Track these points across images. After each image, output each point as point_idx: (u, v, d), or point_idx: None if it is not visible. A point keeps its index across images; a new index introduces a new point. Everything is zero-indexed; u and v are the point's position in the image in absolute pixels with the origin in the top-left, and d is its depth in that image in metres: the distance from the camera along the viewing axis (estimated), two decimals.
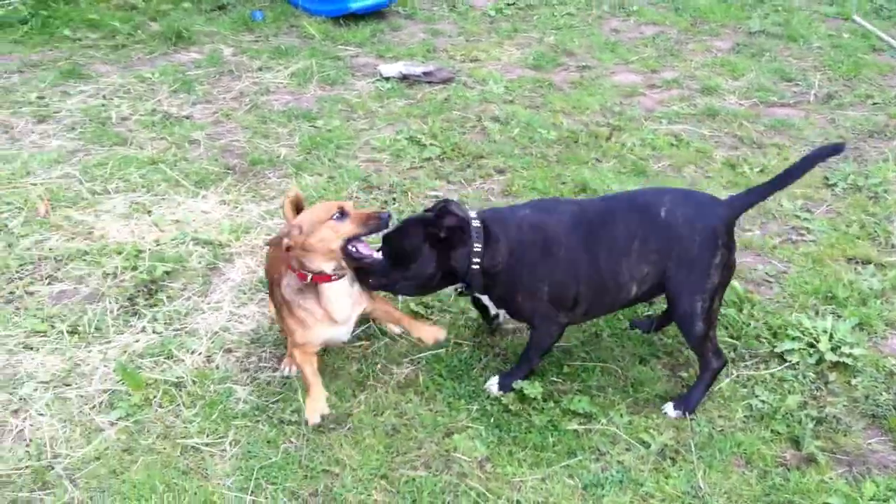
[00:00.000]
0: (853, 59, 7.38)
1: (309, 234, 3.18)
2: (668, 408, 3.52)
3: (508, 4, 8.60)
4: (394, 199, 5.01)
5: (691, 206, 3.37)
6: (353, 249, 3.21)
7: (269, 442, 3.34)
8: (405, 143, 5.66)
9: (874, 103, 6.56)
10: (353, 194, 5.01)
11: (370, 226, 3.22)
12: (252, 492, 3.13)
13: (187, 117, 5.99)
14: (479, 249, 3.28)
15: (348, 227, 3.20)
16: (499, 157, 5.57)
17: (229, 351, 3.82)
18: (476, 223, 3.32)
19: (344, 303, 3.34)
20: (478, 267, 3.30)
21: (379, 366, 3.75)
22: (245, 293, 4.17)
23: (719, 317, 4.00)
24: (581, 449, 3.34)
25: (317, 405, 3.35)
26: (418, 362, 3.77)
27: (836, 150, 3.48)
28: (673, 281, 3.34)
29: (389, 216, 3.25)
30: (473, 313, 4.01)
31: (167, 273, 4.26)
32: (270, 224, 4.70)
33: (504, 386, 3.55)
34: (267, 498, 3.10)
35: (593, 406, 3.51)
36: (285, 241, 3.18)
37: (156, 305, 4.07)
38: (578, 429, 3.42)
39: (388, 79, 6.65)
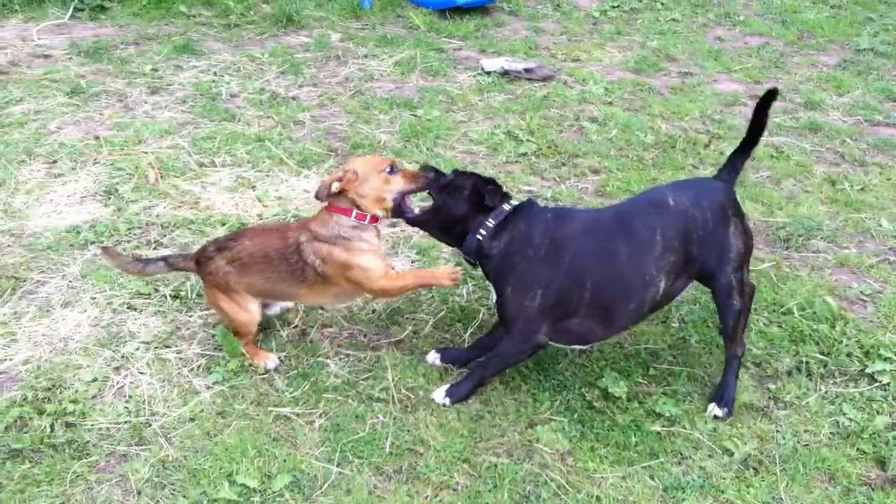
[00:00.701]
0: None
1: (364, 181, 3.44)
2: (714, 408, 3.55)
3: (613, 7, 8.60)
4: None
5: (691, 190, 3.55)
6: (403, 204, 3.52)
7: (357, 417, 3.44)
8: (502, 137, 5.73)
9: None
10: None
11: (419, 183, 3.53)
12: (339, 463, 3.23)
13: (294, 98, 6.16)
14: (490, 225, 3.45)
15: (400, 182, 3.50)
16: (594, 157, 5.60)
17: (325, 326, 3.94)
18: (507, 207, 3.49)
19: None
20: (479, 238, 3.45)
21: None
22: None
23: (811, 332, 3.99)
24: (663, 451, 3.36)
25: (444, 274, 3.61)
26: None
27: (771, 94, 3.55)
28: (702, 259, 3.46)
29: (434, 175, 3.53)
30: None
31: None
32: None
33: (451, 395, 3.54)
34: (353, 470, 3.21)
35: (678, 409, 3.53)
36: (336, 184, 3.42)
37: None
38: (661, 431, 3.45)
39: (489, 73, 6.72)
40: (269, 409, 3.46)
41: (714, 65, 7.36)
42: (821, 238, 4.85)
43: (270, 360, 3.67)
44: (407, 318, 4.02)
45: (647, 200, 3.55)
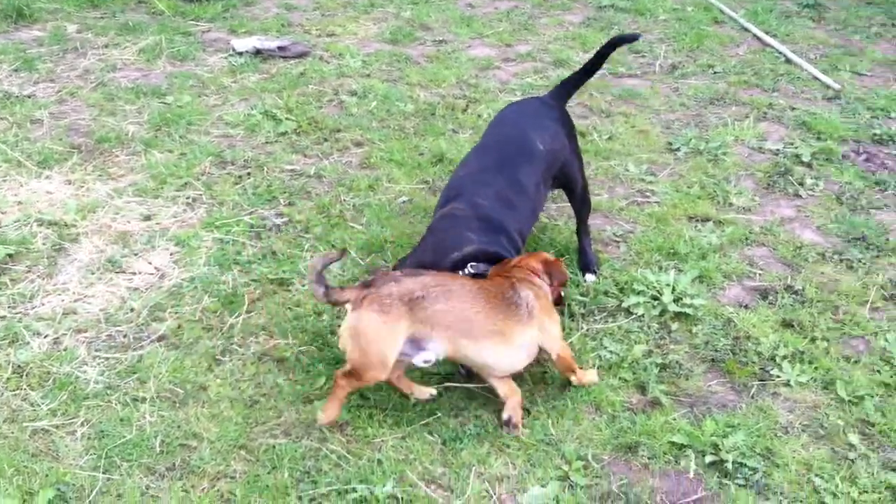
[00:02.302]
0: (696, 31, 7.72)
1: None
2: (589, 277, 4.23)
3: None
4: (248, 173, 4.95)
5: (531, 109, 4.20)
6: None
7: (122, 420, 3.27)
8: (260, 117, 5.60)
9: (715, 72, 6.89)
10: (207, 170, 4.93)
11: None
12: (106, 470, 3.06)
13: (29, 96, 5.75)
14: None
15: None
16: (356, 130, 5.58)
17: (79, 331, 3.71)
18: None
19: None
20: None
21: (235, 338, 3.72)
22: (93, 273, 4.05)
23: (571, 276, 4.17)
24: (441, 407, 3.41)
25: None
26: (273, 334, 3.76)
27: (633, 38, 4.48)
28: (568, 164, 4.12)
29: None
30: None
31: (10, 256, 4.09)
32: (119, 203, 4.56)
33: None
34: (122, 474, 3.04)
35: (453, 366, 3.59)
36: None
37: None
38: (438, 388, 3.50)
39: (241, 54, 6.54)
40: (25, 424, 3.22)
41: (467, 31, 7.53)
42: None
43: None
44: (169, 313, 3.84)
45: (508, 127, 4.09)
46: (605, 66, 6.75)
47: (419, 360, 3.18)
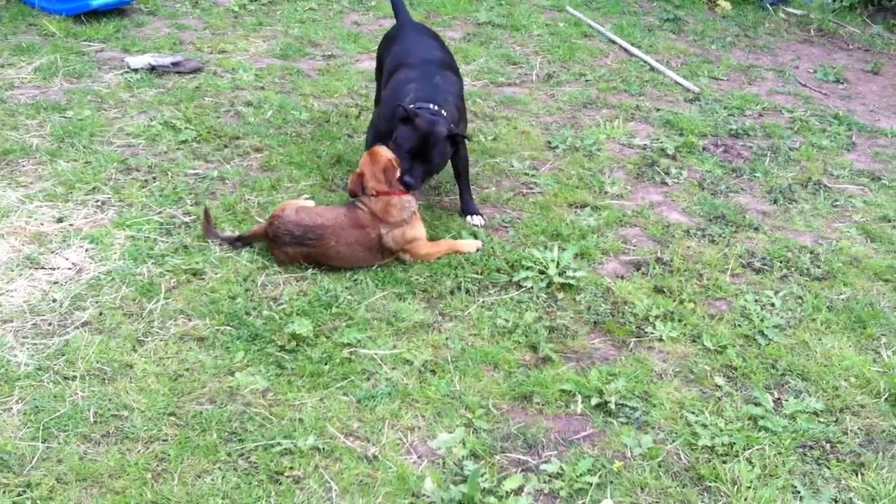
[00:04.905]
0: (568, 44, 8.30)
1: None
2: (473, 219, 5.02)
3: (251, 0, 8.83)
4: (154, 178, 5.17)
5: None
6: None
7: (55, 397, 3.46)
8: (160, 128, 5.80)
9: (586, 80, 7.46)
10: (113, 176, 5.12)
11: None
12: (45, 440, 3.26)
13: None
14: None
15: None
16: (255, 137, 5.85)
17: (4, 322, 3.87)
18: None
19: None
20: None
21: (156, 322, 3.95)
22: (13, 270, 4.20)
23: (465, 258, 4.56)
24: (353, 372, 3.74)
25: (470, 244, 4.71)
26: (191, 317, 4.00)
27: None
28: None
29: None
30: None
31: None
32: (30, 207, 4.71)
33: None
34: (60, 443, 3.25)
35: (361, 335, 3.92)
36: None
37: None
38: (349, 355, 3.82)
39: (136, 70, 6.71)
40: None
41: (354, 46, 7.89)
42: None
43: None
44: (90, 302, 4.04)
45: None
46: (486, 75, 7.33)
47: None
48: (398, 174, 4.48)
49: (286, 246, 4.33)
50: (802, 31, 9.45)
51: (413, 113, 4.52)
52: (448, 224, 4.95)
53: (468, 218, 5.03)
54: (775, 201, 5.56)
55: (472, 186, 5.27)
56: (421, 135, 4.50)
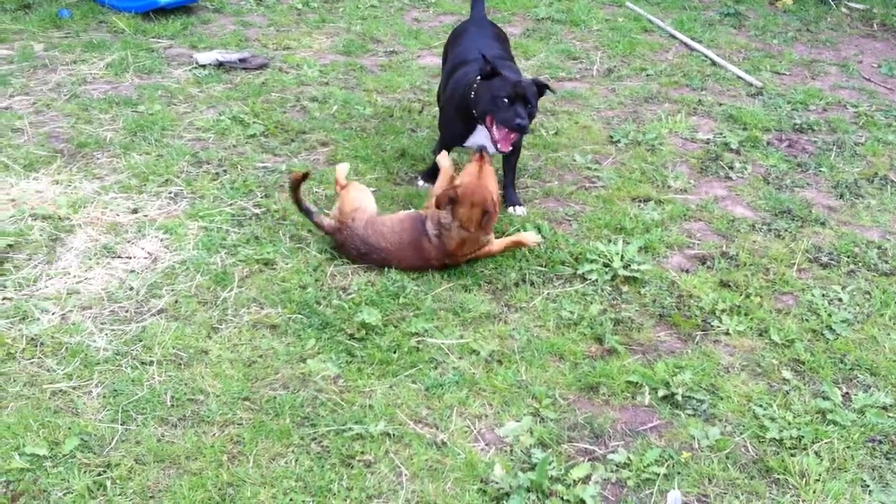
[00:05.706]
0: (628, 39, 8.29)
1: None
2: (517, 209, 5.06)
3: None
4: (224, 171, 5.29)
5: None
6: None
7: (133, 381, 3.58)
8: (229, 122, 5.93)
9: (647, 75, 7.44)
10: (185, 169, 5.25)
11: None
12: (124, 422, 3.37)
13: (6, 108, 5.99)
14: None
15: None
16: (321, 131, 5.95)
17: (84, 308, 4.01)
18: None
19: None
20: None
21: (230, 310, 4.05)
22: (90, 259, 4.35)
23: (532, 250, 4.60)
24: (421, 361, 3.80)
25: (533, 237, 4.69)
26: (264, 305, 4.10)
27: None
28: None
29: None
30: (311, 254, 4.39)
31: (10, 246, 4.37)
32: (106, 198, 4.86)
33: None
34: (139, 425, 3.36)
35: (429, 325, 3.98)
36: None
37: (3, 275, 4.18)
38: (418, 345, 3.88)
39: (204, 66, 6.87)
40: (44, 386, 3.51)
41: (415, 42, 7.96)
42: (528, 176, 5.52)
43: None
44: (166, 290, 4.16)
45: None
46: (546, 70, 7.35)
47: None
48: (496, 216, 4.37)
49: (351, 251, 4.42)
50: (865, 25, 9.31)
51: (499, 66, 4.66)
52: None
53: (511, 209, 5.07)
54: (841, 196, 5.50)
55: (535, 180, 5.30)
56: (514, 81, 4.59)
